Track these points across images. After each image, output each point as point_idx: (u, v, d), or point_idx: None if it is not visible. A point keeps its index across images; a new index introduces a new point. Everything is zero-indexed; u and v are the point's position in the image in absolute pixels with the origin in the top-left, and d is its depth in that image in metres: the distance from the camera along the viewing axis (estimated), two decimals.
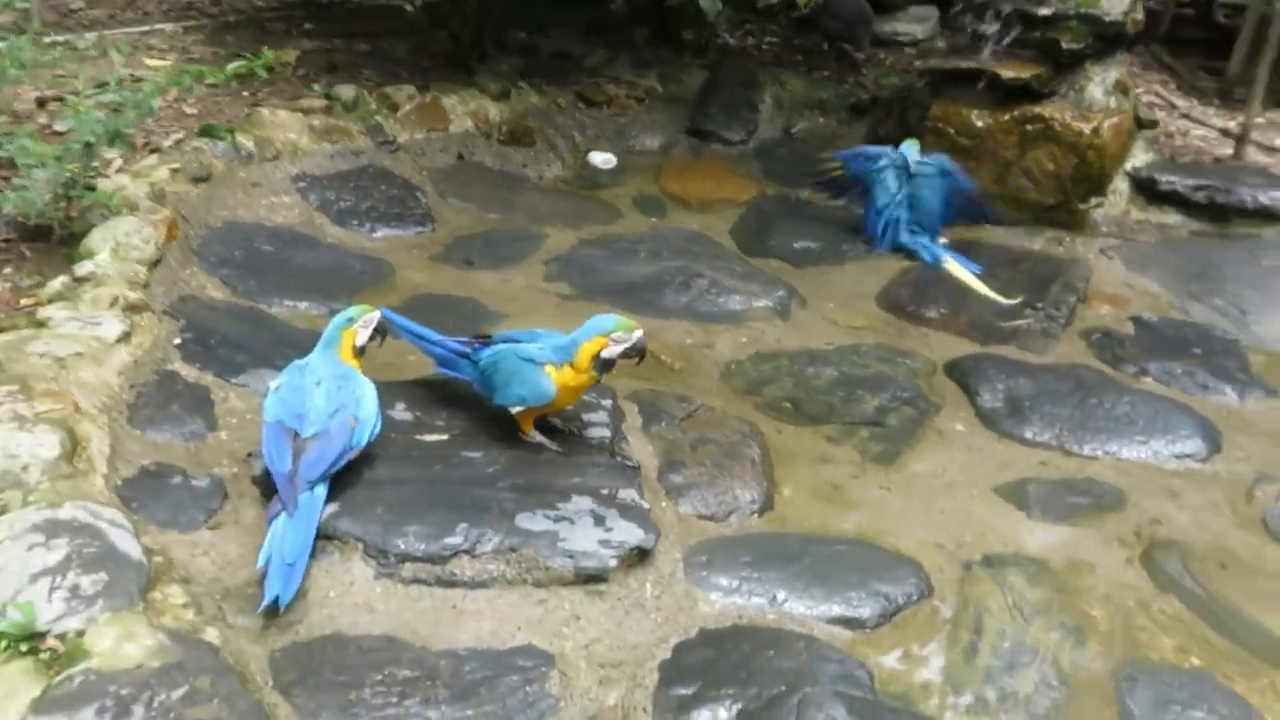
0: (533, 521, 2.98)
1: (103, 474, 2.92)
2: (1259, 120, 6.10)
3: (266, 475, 3.05)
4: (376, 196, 5.00)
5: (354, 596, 2.78)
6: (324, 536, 2.87)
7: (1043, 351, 4.36)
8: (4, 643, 2.35)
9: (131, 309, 3.62)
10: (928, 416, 3.88)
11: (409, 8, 6.99)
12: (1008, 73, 5.13)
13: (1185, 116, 6.57)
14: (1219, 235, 5.08)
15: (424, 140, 5.41)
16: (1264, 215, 5.04)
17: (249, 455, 3.23)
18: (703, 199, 5.52)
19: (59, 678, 2.28)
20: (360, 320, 3.27)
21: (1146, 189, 5.22)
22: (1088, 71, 5.18)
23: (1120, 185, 5.25)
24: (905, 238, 4.97)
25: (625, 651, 2.75)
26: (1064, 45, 5.08)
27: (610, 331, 3.22)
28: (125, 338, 3.47)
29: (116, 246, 3.92)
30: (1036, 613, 3.01)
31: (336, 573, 2.82)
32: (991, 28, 5.21)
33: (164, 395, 3.40)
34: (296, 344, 3.87)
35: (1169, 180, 5.18)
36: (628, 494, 3.14)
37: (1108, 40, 5.15)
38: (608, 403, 3.57)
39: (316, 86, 5.48)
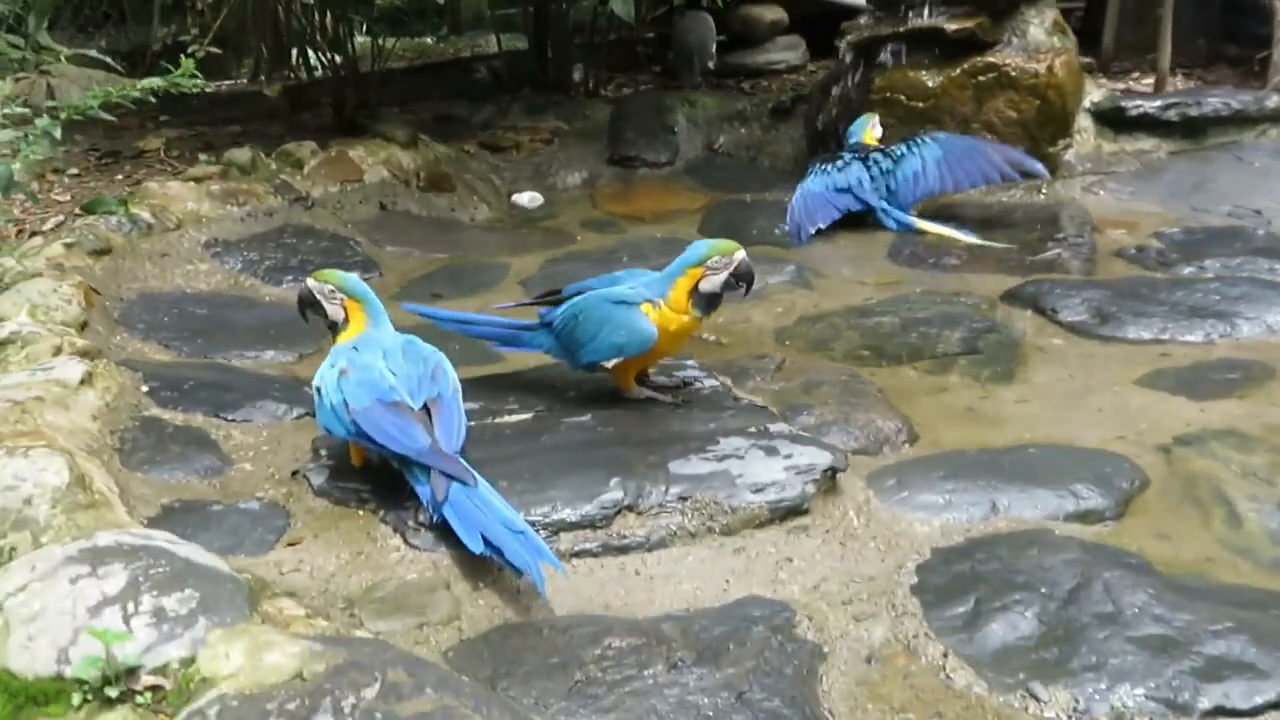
0: (692, 466, 2.38)
1: (124, 509, 2.19)
2: (1146, 83, 6.08)
3: (333, 479, 2.41)
4: (305, 250, 4.33)
5: (507, 583, 2.12)
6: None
7: (1088, 274, 4.01)
8: (81, 695, 1.63)
9: (84, 355, 2.89)
10: (1018, 339, 3.44)
11: (267, 93, 6.48)
12: (952, 26, 4.89)
13: None
14: (1198, 150, 4.89)
15: (340, 193, 4.78)
16: (1240, 120, 4.88)
17: (294, 474, 2.53)
18: (655, 212, 5.05)
19: (182, 717, 1.56)
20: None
21: (1113, 120, 5.01)
22: (1025, 15, 4.98)
23: (1084, 122, 5.01)
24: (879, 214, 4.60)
25: (863, 585, 2.16)
26: None
27: (705, 259, 2.66)
28: (89, 379, 2.74)
29: (33, 309, 3.20)
30: (1273, 473, 2.56)
31: (480, 560, 2.15)
32: None
33: (155, 439, 2.69)
34: (281, 383, 3.21)
35: (1136, 105, 4.98)
36: (779, 427, 2.57)
37: None
38: (691, 361, 3.01)
39: (204, 157, 4.81)
